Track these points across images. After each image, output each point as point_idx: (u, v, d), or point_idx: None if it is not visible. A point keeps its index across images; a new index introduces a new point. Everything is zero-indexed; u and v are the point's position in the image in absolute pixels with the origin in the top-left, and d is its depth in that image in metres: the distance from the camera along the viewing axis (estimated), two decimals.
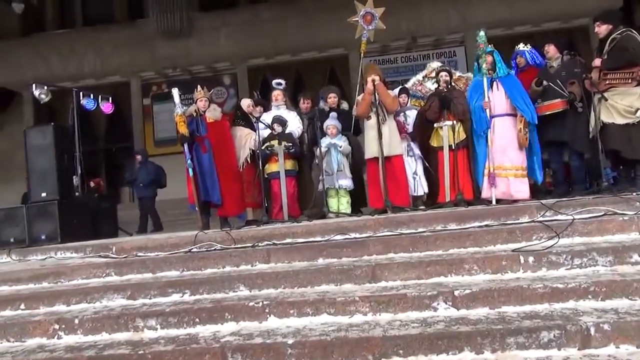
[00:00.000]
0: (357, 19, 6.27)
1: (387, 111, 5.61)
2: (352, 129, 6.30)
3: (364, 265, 3.71)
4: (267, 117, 6.30)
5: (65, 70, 14.95)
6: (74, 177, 7.50)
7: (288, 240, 4.49)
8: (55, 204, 6.66)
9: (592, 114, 5.05)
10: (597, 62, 5.05)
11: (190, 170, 5.94)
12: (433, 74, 6.49)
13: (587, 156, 5.57)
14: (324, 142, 5.98)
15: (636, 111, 4.85)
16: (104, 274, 4.30)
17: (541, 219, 4.05)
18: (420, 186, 6.03)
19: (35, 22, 15.71)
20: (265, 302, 3.41)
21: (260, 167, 5.91)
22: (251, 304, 3.42)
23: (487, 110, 5.52)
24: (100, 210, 7.50)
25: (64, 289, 4.13)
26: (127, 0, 15.75)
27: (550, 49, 5.60)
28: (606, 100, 4.96)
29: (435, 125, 5.76)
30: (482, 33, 5.60)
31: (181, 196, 12.11)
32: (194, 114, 6.20)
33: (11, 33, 15.45)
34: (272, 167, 6.03)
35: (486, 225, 4.18)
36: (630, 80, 4.90)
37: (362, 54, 6.50)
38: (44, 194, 6.77)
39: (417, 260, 3.71)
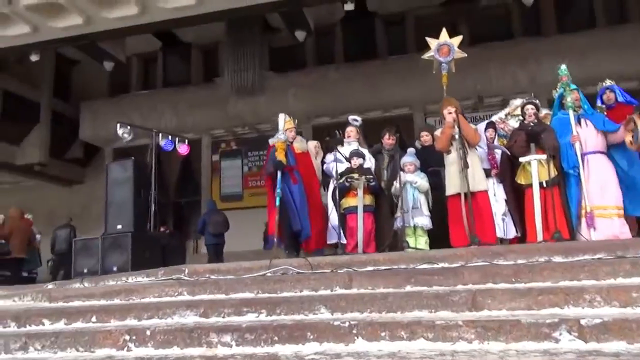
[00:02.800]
0: (432, 54, 6.03)
1: (469, 144, 5.19)
2: None
3: (463, 291, 3.21)
4: (341, 153, 6.03)
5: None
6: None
7: (369, 268, 4.04)
8: (129, 236, 6.53)
9: None
10: None
11: (278, 198, 5.63)
12: (517, 111, 6.09)
13: None
14: (401, 178, 5.61)
15: None
16: (176, 293, 3.96)
17: None
18: (510, 228, 5.47)
19: (120, 84, 16.62)
20: (352, 322, 2.94)
21: (338, 200, 5.58)
22: (336, 323, 2.97)
23: (576, 147, 5.01)
24: (170, 246, 7.32)
25: (136, 304, 3.82)
26: (203, 61, 16.41)
27: None
28: None
29: (522, 160, 5.25)
30: (563, 67, 5.22)
31: (245, 248, 11.97)
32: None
33: (100, 94, 16.38)
34: (349, 202, 5.65)
35: (599, 258, 3.59)
36: None
37: (444, 87, 6.21)
38: (119, 226, 6.68)
39: (525, 288, 3.16)
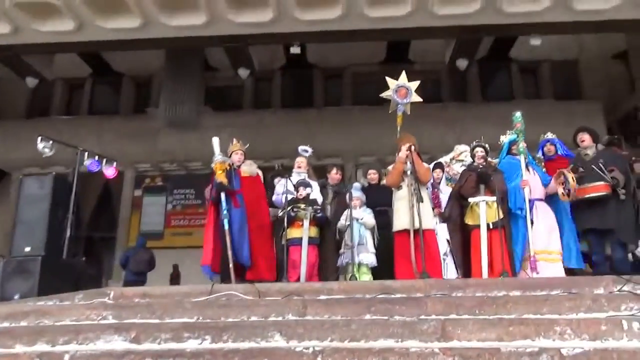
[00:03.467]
0: (389, 93, 6.03)
1: (421, 181, 5.10)
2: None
3: (431, 320, 2.94)
4: (286, 184, 5.74)
5: (62, 155, 14.38)
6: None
7: (322, 297, 3.67)
8: (38, 260, 5.70)
9: None
10: None
11: (226, 222, 5.16)
12: (461, 156, 6.14)
13: (631, 248, 5.05)
14: (347, 213, 5.37)
15: None
16: (100, 317, 3.35)
17: (627, 288, 3.39)
18: (451, 268, 5.34)
19: (40, 107, 15.47)
20: (316, 349, 2.57)
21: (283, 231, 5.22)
22: (298, 349, 2.58)
23: (525, 191, 5.07)
24: (86, 276, 6.47)
25: (49, 326, 3.18)
26: (135, 92, 15.73)
27: (585, 138, 5.32)
28: None
29: (471, 200, 5.21)
30: (518, 114, 5.37)
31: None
32: (228, 168, 5.63)
33: (16, 114, 15.10)
34: (293, 233, 5.30)
35: (557, 294, 3.49)
36: None
37: (398, 127, 6.19)
38: (27, 249, 5.83)
39: (496, 319, 2.96)
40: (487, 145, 5.82)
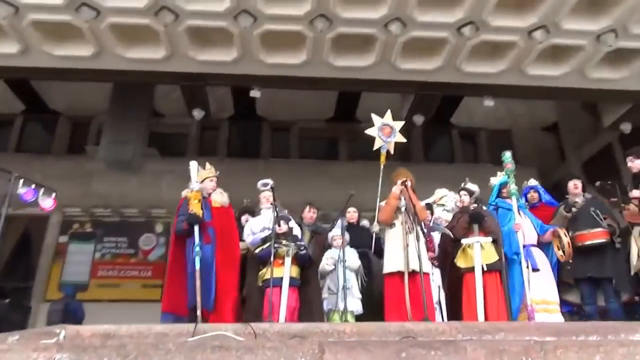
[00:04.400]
0: (374, 131, 5.67)
1: (419, 218, 4.62)
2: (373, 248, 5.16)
3: None
4: (262, 220, 5.07)
5: None
6: None
7: (339, 340, 2.98)
8: None
9: (634, 247, 4.42)
10: (636, 193, 4.62)
11: (198, 260, 4.32)
12: (442, 201, 5.79)
13: (624, 298, 4.78)
14: (329, 254, 4.76)
15: None
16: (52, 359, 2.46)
17: None
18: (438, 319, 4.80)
19: None
20: None
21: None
22: None
23: (519, 235, 4.73)
24: (10, 320, 5.26)
25: None
26: (70, 133, 14.47)
27: (579, 185, 5.15)
28: None
29: (464, 242, 4.77)
30: (508, 154, 5.15)
31: None
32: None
33: None
34: (270, 273, 4.54)
35: (600, 339, 3.03)
36: None
37: (382, 166, 5.78)
38: None
39: None
40: (473, 188, 5.53)
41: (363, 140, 16.69)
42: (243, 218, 5.75)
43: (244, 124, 14.94)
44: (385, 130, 5.67)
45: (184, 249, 4.74)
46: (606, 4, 7.59)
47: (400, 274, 4.47)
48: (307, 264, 4.80)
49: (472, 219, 4.83)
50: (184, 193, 5.05)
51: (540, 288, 4.60)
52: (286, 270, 4.47)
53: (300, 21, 7.91)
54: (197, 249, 4.43)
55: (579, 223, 4.78)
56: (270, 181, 5.64)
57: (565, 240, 4.53)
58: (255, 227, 5.16)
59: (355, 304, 4.67)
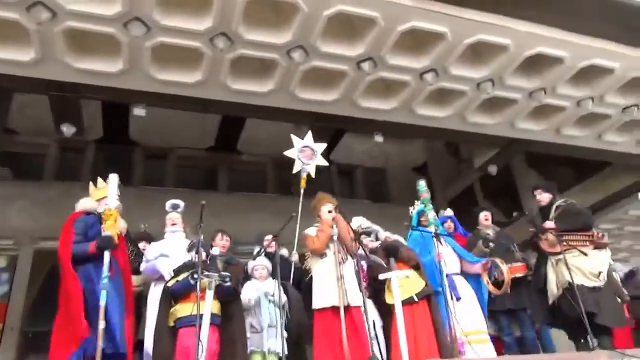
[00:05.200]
0: (294, 153, 5.23)
1: (348, 248, 4.23)
2: (292, 279, 4.59)
3: None
4: (162, 246, 4.28)
5: None
6: None
7: None
8: None
9: (552, 276, 4.53)
10: (550, 224, 4.79)
11: (104, 295, 3.34)
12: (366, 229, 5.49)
13: (536, 327, 4.87)
14: (250, 287, 4.14)
15: (599, 274, 4.53)
16: None
17: None
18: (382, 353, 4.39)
19: None
20: None
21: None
22: None
23: (442, 265, 4.60)
24: None
25: None
26: None
27: (489, 217, 5.24)
28: (565, 261, 4.56)
29: (381, 277, 4.44)
30: (422, 182, 5.10)
31: None
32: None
33: None
34: (185, 309, 3.75)
35: None
36: (587, 243, 4.68)
37: (302, 190, 5.30)
38: None
39: None
40: (373, 228, 5.32)
41: (243, 171, 16.25)
42: (140, 245, 4.86)
43: (114, 148, 13.47)
44: (306, 153, 5.28)
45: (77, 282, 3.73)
46: (485, 55, 8.25)
47: (334, 308, 4.01)
48: (231, 298, 4.09)
49: (387, 253, 4.58)
50: (81, 206, 4.06)
51: (469, 317, 4.49)
52: (207, 306, 3.71)
53: (199, 37, 7.29)
54: (106, 280, 3.51)
55: (496, 257, 4.85)
56: (181, 202, 4.88)
57: (505, 268, 4.48)
58: (150, 254, 4.35)
59: (280, 345, 4.07)
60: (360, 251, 4.26)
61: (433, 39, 7.68)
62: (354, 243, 4.32)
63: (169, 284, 3.93)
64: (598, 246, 4.82)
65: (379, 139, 9.65)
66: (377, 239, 5.04)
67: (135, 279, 4.42)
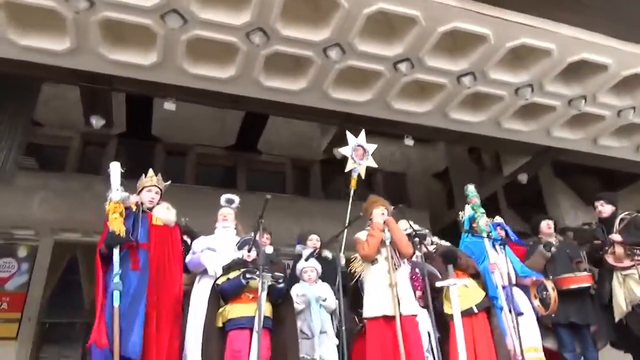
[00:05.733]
0: (348, 152, 4.98)
1: (402, 254, 3.96)
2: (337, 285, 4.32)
3: None
4: (210, 240, 4.04)
5: None
6: None
7: None
8: None
9: (619, 292, 4.21)
10: (617, 237, 4.48)
11: (117, 295, 3.12)
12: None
13: (599, 347, 4.54)
14: (300, 291, 3.88)
15: None
16: None
17: None
18: None
19: None
20: None
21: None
22: None
23: (495, 275, 4.33)
24: None
25: None
26: None
27: (552, 225, 4.95)
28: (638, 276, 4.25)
29: (438, 285, 4.19)
30: (471, 187, 4.83)
31: None
32: (134, 208, 3.65)
33: None
34: (237, 310, 3.50)
35: None
36: None
37: (352, 190, 5.06)
38: None
39: None
40: (424, 232, 5.05)
41: (263, 171, 16.03)
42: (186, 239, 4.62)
43: (136, 143, 13.33)
44: (358, 152, 5.05)
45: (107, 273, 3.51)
46: (527, 60, 7.97)
47: (385, 318, 3.75)
48: (281, 300, 3.84)
49: (445, 260, 4.31)
50: (105, 204, 3.81)
51: (528, 333, 4.22)
52: (260, 308, 3.41)
53: (236, 31, 7.07)
54: (117, 279, 3.26)
55: (557, 266, 4.56)
56: (236, 198, 4.65)
57: (553, 295, 4.21)
58: (197, 246, 4.11)
59: (332, 353, 3.81)
60: (417, 255, 3.98)
61: (474, 41, 7.41)
62: (411, 247, 4.06)
63: (219, 282, 3.68)
64: None
65: (409, 142, 9.37)
66: (432, 243, 4.78)
67: (185, 277, 4.18)
